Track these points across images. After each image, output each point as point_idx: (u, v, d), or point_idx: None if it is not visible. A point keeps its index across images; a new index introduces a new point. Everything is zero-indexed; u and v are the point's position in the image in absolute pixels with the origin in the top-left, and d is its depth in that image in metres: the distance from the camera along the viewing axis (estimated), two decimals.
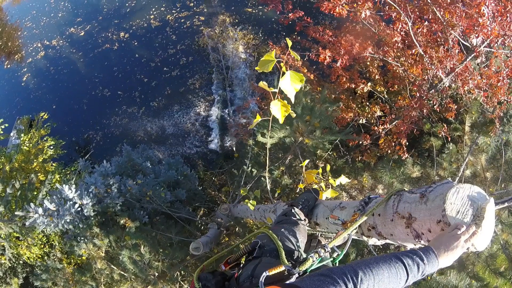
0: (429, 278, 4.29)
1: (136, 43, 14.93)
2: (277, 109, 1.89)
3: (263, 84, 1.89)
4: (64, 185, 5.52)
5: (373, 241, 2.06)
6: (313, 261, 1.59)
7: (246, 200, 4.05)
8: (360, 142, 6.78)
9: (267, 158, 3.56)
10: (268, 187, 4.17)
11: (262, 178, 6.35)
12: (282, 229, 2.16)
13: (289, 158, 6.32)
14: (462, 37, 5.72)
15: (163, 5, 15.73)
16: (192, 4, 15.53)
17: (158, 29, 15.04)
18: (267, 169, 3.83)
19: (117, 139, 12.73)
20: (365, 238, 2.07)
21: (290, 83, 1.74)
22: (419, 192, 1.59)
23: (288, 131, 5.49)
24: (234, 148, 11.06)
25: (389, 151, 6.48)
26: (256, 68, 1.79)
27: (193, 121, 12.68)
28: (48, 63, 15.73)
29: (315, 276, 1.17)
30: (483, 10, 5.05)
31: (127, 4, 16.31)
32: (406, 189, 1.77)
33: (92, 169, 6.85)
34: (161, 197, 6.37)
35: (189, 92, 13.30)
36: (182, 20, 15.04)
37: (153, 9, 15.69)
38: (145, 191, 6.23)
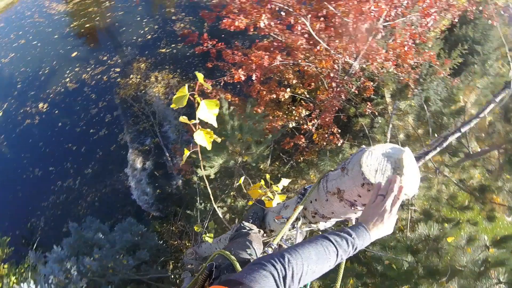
0: (404, 239, 4.41)
1: (57, 112, 14.26)
2: (201, 138, 1.96)
3: (183, 118, 1.94)
4: (22, 285, 5.25)
5: (322, 225, 2.14)
6: None
7: (204, 236, 4.03)
8: (297, 143, 6.98)
9: (209, 188, 3.54)
10: (220, 214, 4.15)
11: (216, 209, 6.29)
12: (234, 244, 2.26)
13: (236, 181, 6.34)
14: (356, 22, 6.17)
15: (77, 65, 15.34)
16: (105, 58, 15.34)
17: (76, 91, 14.55)
18: (211, 198, 3.78)
19: (61, 219, 11.79)
20: (314, 226, 2.14)
21: (208, 111, 1.84)
22: (340, 167, 1.68)
23: (226, 155, 5.54)
24: (182, 190, 10.80)
25: (325, 143, 6.74)
26: (171, 106, 1.89)
27: (132, 176, 12.21)
28: None
29: (249, 266, 1.23)
30: None
31: (40, 72, 15.64)
32: (331, 170, 1.86)
33: (45, 258, 6.41)
34: (125, 265, 6.09)
35: (121, 149, 12.87)
36: (98, 76, 14.73)
37: (68, 72, 15.19)
38: (106, 264, 5.93)
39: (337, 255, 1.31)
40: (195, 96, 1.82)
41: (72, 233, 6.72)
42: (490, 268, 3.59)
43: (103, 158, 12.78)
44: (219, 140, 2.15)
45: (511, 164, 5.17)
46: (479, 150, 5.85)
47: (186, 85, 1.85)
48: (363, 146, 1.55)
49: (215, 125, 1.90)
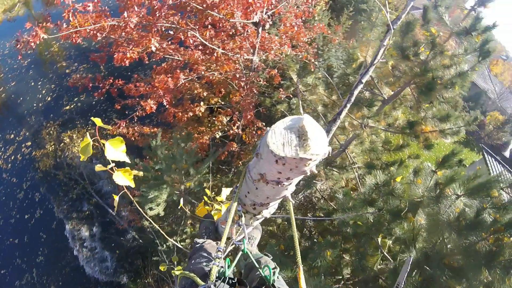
0: (359, 196, 4.55)
1: None
2: (122, 179, 1.94)
3: (98, 167, 1.92)
4: None
5: (267, 213, 2.17)
6: (220, 266, 1.66)
7: (173, 271, 3.98)
8: (231, 150, 7.05)
9: (157, 227, 3.48)
10: (180, 245, 4.09)
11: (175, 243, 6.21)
12: (192, 260, 2.25)
13: (187, 208, 6.25)
14: (244, 19, 6.37)
15: None
16: (12, 136, 14.28)
17: None
18: (165, 235, 3.72)
19: None
20: (260, 216, 2.17)
21: (114, 150, 1.83)
22: (254, 155, 1.73)
23: (168, 189, 5.46)
24: (139, 240, 10.37)
25: (255, 139, 6.89)
26: (81, 159, 1.86)
27: (83, 246, 11.54)
28: None
29: None
30: None
31: None
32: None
33: None
34: None
35: (62, 223, 12.12)
36: (12, 158, 13.67)
37: None
38: None
39: None
40: (101, 141, 1.80)
41: None
42: (445, 188, 3.82)
43: (48, 240, 11.92)
44: (141, 174, 2.14)
45: (425, 94, 5.60)
46: (392, 93, 6.26)
47: (87, 133, 1.86)
48: (267, 128, 1.59)
49: (128, 161, 1.89)
